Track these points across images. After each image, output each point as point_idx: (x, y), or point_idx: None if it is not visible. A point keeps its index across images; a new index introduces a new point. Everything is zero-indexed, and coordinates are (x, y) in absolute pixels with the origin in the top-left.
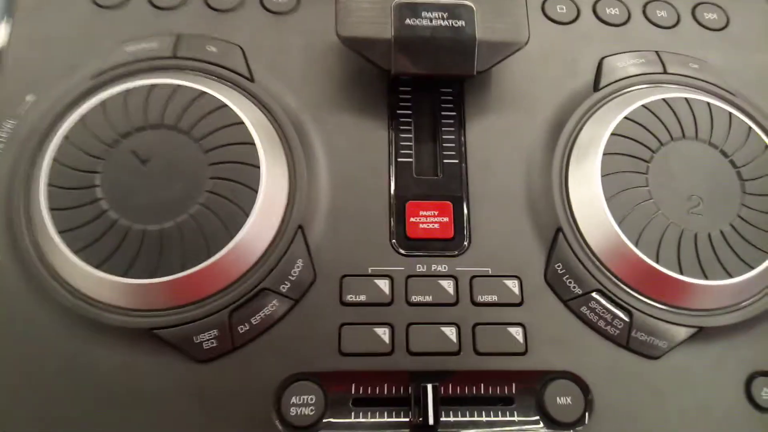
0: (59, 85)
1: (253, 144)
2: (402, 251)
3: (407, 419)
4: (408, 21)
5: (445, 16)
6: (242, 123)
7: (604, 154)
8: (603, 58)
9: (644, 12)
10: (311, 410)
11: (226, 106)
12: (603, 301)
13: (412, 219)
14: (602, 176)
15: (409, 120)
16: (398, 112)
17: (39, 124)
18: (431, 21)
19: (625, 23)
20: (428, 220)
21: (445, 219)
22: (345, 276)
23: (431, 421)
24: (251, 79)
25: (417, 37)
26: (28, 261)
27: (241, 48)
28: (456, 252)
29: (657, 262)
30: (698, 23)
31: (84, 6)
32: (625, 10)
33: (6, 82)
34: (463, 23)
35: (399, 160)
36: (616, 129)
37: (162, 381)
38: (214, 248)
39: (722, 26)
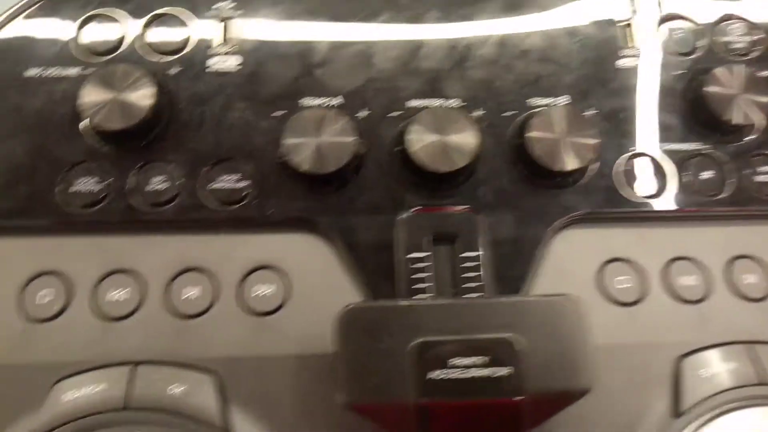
0: None
1: None
2: None
3: None
4: (432, 374)
5: (479, 361)
6: None
7: None
8: (681, 360)
9: (728, 280)
10: None
11: None
12: None
13: None
14: None
15: None
16: None
17: None
18: (464, 370)
19: (703, 300)
20: None
21: None
22: None
23: None
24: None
25: (446, 398)
26: None
27: (216, 377)
28: None
29: None
30: None
31: (11, 321)
32: (703, 280)
33: None
34: (506, 370)
35: None
36: None
37: None
38: None
39: None
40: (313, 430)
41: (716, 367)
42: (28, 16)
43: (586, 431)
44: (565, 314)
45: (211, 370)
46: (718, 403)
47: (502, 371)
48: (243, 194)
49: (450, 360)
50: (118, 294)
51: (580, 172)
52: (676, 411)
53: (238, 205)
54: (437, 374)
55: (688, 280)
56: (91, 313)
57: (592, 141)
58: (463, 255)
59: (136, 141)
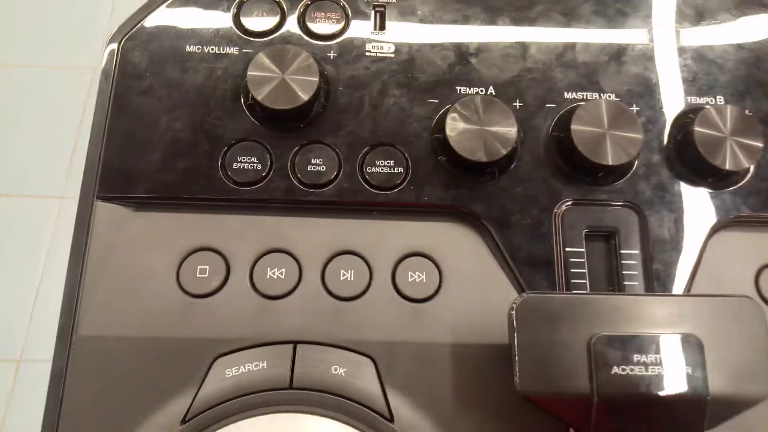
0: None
1: None
2: None
3: None
4: (614, 367)
5: (662, 358)
6: None
7: None
8: None
9: None
10: None
11: None
12: None
13: None
14: None
15: None
16: None
17: None
18: (646, 368)
19: None
20: None
21: None
22: None
23: None
24: (390, 419)
25: (628, 394)
26: None
27: (374, 362)
28: None
29: None
30: None
31: (170, 294)
32: None
33: (70, 414)
34: (690, 369)
35: None
36: None
37: None
38: None
39: None
40: (471, 420)
41: None
42: None
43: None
44: (746, 315)
45: (369, 357)
46: None
47: (686, 369)
48: (399, 180)
49: (632, 355)
50: (275, 273)
51: (741, 173)
52: None
53: (394, 191)
54: (619, 369)
55: None
56: (249, 290)
57: (755, 142)
58: (622, 251)
59: (298, 122)
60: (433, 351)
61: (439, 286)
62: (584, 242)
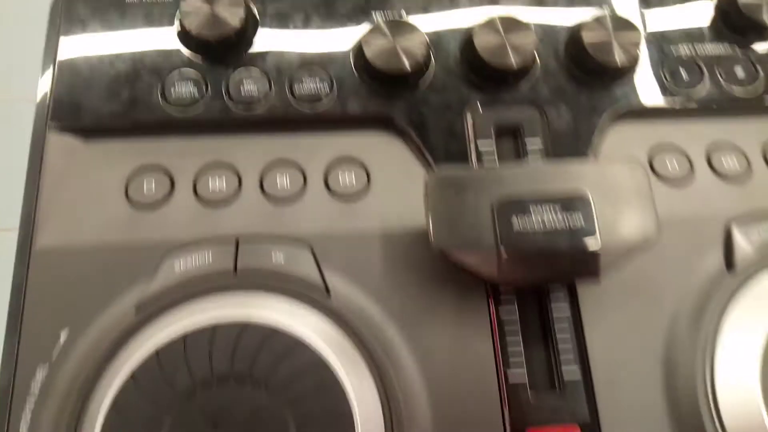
0: (99, 318)
1: (342, 391)
2: None
3: None
4: (515, 223)
5: (557, 209)
6: (326, 365)
7: (763, 361)
8: (730, 226)
9: (765, 158)
10: None
11: (303, 345)
12: None
13: None
14: (764, 392)
15: (515, 323)
16: (501, 313)
17: (78, 374)
18: (542, 220)
19: (745, 174)
20: None
21: None
22: None
23: None
24: (327, 291)
25: (527, 243)
26: None
27: (311, 249)
28: None
29: None
30: None
31: (119, 207)
32: (743, 158)
33: (32, 317)
34: (581, 218)
35: (510, 371)
36: None
37: None
38: None
39: None
40: (399, 289)
41: (765, 228)
42: None
43: (645, 287)
44: (632, 175)
45: (306, 243)
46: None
47: (579, 221)
48: (325, 95)
49: (530, 213)
50: (217, 184)
51: (629, 69)
52: (729, 265)
53: (321, 105)
54: (519, 226)
55: (730, 162)
56: (193, 200)
57: (636, 38)
58: (527, 145)
59: (228, 49)
60: (365, 238)
61: (368, 185)
62: (494, 138)
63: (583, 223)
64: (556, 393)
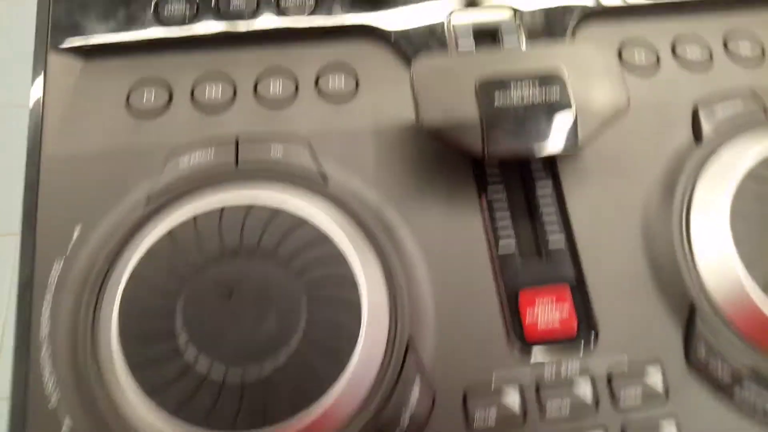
0: (110, 214)
1: (345, 261)
2: (524, 351)
3: None
4: (496, 98)
5: (535, 85)
6: (328, 238)
7: (732, 215)
8: (696, 105)
9: (726, 47)
10: None
11: (306, 222)
12: (758, 383)
13: (528, 312)
14: (736, 241)
15: (502, 196)
16: (489, 191)
17: (93, 262)
18: (521, 95)
19: (708, 62)
20: (547, 311)
21: (565, 308)
22: (467, 392)
23: None
24: (324, 179)
25: (510, 118)
26: (106, 424)
27: (308, 143)
28: (584, 343)
29: None
30: None
31: (121, 117)
32: (705, 48)
33: (46, 218)
34: (557, 92)
35: (501, 242)
36: (740, 187)
37: None
38: (324, 386)
39: None
40: (394, 177)
41: (729, 105)
42: None
43: (621, 163)
44: (602, 53)
45: (302, 139)
46: (731, 129)
47: (555, 95)
48: (310, 6)
49: (510, 88)
50: (213, 91)
51: None
52: (698, 139)
53: (307, 16)
54: (500, 102)
55: (693, 52)
56: (191, 108)
57: None
58: (504, 44)
59: None
60: (357, 134)
61: (357, 88)
62: (473, 40)
63: (558, 96)
64: (543, 260)
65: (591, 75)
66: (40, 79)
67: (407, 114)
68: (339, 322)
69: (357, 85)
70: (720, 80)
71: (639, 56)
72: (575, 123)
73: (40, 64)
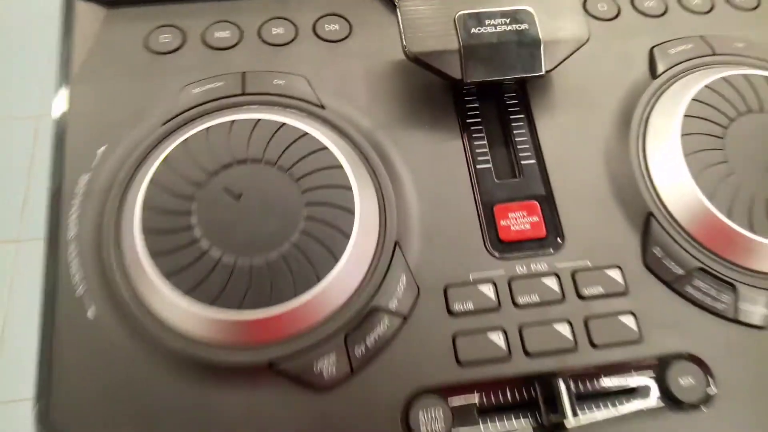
0: (131, 135)
1: (341, 167)
2: (498, 255)
3: (535, 423)
4: (473, 30)
5: (507, 21)
6: (327, 149)
7: (682, 135)
8: (653, 48)
9: (680, 1)
10: (440, 424)
11: (307, 134)
12: (706, 279)
13: (502, 222)
14: (685, 156)
15: (480, 127)
16: (468, 121)
17: (117, 173)
18: (495, 27)
19: (663, 14)
20: (518, 221)
21: (535, 218)
22: (448, 286)
23: (570, 417)
24: (321, 106)
25: (485, 44)
26: (129, 312)
27: (306, 78)
28: (551, 249)
29: (752, 231)
30: (732, 6)
31: (140, 55)
32: (662, 2)
33: (74, 139)
34: (526, 26)
35: (478, 166)
36: (688, 111)
37: (287, 418)
38: (322, 273)
39: (754, 6)
40: (383, 106)
41: (681, 47)
42: None
43: (586, 95)
44: None
45: (301, 75)
46: (683, 68)
47: (524, 27)
48: None
49: (485, 20)
50: (222, 34)
51: None
52: (654, 75)
53: None
54: (476, 30)
55: (649, 2)
56: (202, 47)
57: None
58: None
59: None
60: (352, 71)
61: (351, 32)
62: None
63: (528, 28)
64: (516, 179)
65: (556, 13)
66: (69, 24)
67: (396, 53)
68: (335, 222)
69: (350, 29)
70: (673, 27)
71: (600, 6)
72: (541, 51)
73: (69, 12)
